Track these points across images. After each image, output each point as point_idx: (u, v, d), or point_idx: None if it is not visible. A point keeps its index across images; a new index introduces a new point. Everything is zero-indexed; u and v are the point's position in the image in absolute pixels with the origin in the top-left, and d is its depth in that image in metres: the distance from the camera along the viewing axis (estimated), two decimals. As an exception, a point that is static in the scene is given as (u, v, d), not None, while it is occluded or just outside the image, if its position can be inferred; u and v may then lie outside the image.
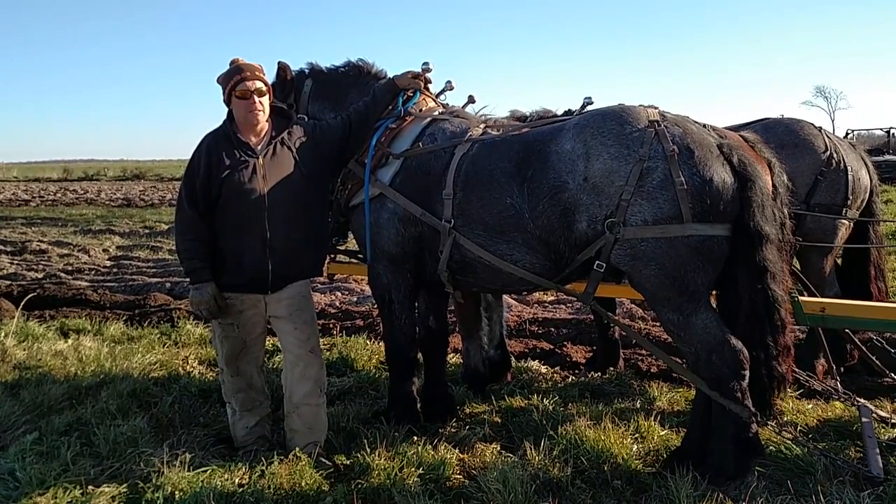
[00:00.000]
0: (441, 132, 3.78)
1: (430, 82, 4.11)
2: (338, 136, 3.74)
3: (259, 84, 3.46)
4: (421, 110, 3.98)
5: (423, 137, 3.78)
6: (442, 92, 4.25)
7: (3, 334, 5.70)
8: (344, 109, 4.03)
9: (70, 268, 10.71)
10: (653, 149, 3.03)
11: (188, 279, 3.56)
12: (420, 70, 4.01)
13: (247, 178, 3.43)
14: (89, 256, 12.02)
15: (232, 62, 3.53)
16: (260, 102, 3.46)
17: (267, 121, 3.57)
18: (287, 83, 4.29)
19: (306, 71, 4.42)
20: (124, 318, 7.00)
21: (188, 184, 3.48)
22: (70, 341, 5.72)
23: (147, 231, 15.45)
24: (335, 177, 3.89)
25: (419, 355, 4.12)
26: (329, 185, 3.88)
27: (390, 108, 3.96)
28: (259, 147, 3.51)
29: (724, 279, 3.16)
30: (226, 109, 3.59)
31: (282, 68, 4.25)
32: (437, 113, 3.98)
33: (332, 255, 4.54)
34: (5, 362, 5.08)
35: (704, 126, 3.25)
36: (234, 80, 3.44)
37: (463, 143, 3.59)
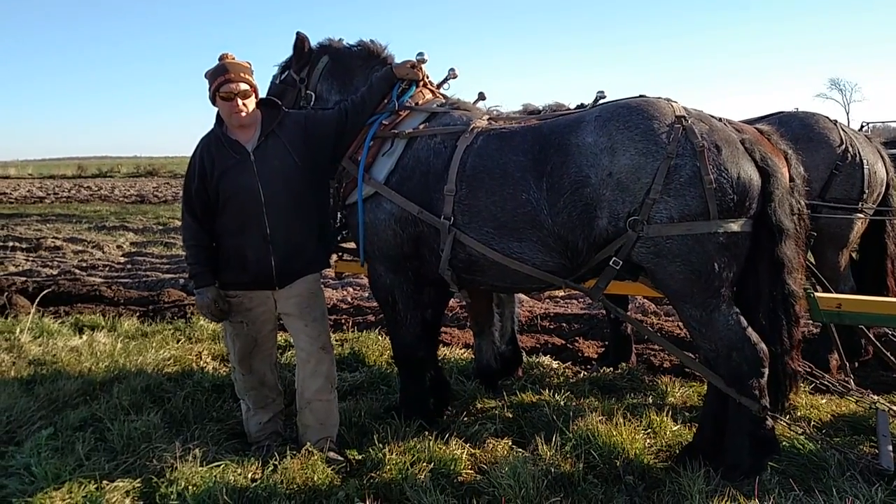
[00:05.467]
0: (440, 127, 3.63)
1: (426, 75, 3.94)
2: (332, 128, 3.67)
3: (244, 86, 3.41)
4: (417, 103, 3.83)
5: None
6: (444, 81, 4.07)
7: (18, 330, 5.78)
8: (349, 93, 3.96)
9: (84, 264, 10.80)
10: (681, 145, 2.97)
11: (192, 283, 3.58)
12: (415, 60, 3.84)
13: (240, 176, 3.42)
14: (103, 253, 12.10)
15: (220, 58, 3.48)
16: (244, 104, 3.42)
17: (255, 117, 3.51)
18: (304, 55, 4.17)
19: (325, 46, 4.26)
20: (138, 314, 7.07)
21: (185, 191, 3.52)
22: (84, 337, 5.76)
23: (161, 227, 15.53)
24: (335, 170, 3.81)
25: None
26: (328, 177, 3.80)
27: (385, 101, 3.81)
28: (249, 143, 3.49)
29: (743, 274, 3.13)
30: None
31: (300, 39, 4.12)
32: (435, 106, 3.83)
33: (340, 254, 4.52)
34: (21, 358, 5.13)
35: (720, 120, 3.22)
36: (219, 81, 3.40)
37: (466, 135, 3.47)
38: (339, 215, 3.97)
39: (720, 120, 3.21)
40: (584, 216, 3.12)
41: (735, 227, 2.98)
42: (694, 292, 3.07)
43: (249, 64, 3.53)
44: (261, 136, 3.51)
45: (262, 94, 3.71)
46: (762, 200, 3.03)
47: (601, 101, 3.49)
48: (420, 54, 3.85)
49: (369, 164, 3.64)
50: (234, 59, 3.49)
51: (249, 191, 3.42)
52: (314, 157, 3.60)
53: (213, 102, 3.50)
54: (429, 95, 3.95)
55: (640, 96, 3.29)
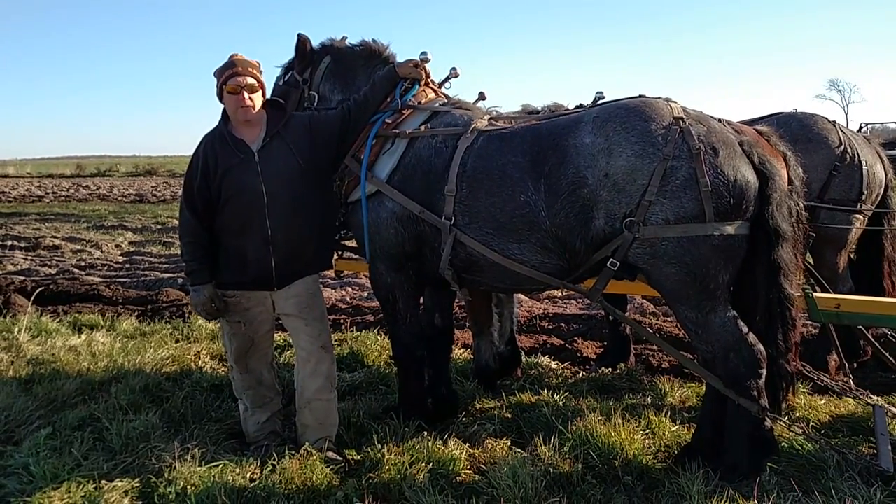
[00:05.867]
0: (442, 126, 3.64)
1: (429, 75, 3.95)
2: (336, 129, 3.67)
3: (251, 80, 3.42)
4: (420, 102, 3.83)
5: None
6: (446, 80, 4.07)
7: (17, 329, 5.77)
8: (351, 92, 3.96)
9: (83, 263, 10.78)
10: (678, 147, 2.96)
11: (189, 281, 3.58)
12: (418, 59, 3.84)
13: (244, 175, 3.41)
14: (102, 252, 12.08)
15: (230, 57, 3.48)
16: (250, 98, 3.41)
17: (260, 116, 3.51)
18: (306, 56, 4.17)
19: (327, 46, 4.25)
20: (137, 313, 7.06)
21: (186, 188, 3.50)
22: (83, 336, 5.76)
23: (159, 227, 15.51)
24: (336, 169, 3.80)
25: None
26: (331, 178, 3.80)
27: (388, 100, 3.82)
28: (254, 143, 3.48)
29: (739, 276, 3.13)
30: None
31: (302, 41, 4.12)
32: (437, 104, 3.83)
33: (340, 252, 4.51)
34: (19, 357, 5.13)
35: (719, 121, 3.22)
36: (226, 75, 3.40)
37: (467, 136, 3.46)
38: (339, 213, 3.97)
39: (720, 121, 3.20)
40: (581, 217, 3.12)
41: (731, 229, 2.98)
42: (690, 294, 3.07)
43: (258, 63, 3.53)
44: (266, 137, 3.49)
45: (268, 94, 3.71)
46: (759, 203, 3.03)
47: (600, 102, 3.49)
48: (423, 53, 3.86)
49: (372, 163, 3.64)
50: (243, 57, 3.49)
51: (252, 191, 3.41)
52: (319, 158, 3.61)
53: (220, 98, 3.49)
54: (431, 94, 3.95)
55: (640, 96, 3.29)
